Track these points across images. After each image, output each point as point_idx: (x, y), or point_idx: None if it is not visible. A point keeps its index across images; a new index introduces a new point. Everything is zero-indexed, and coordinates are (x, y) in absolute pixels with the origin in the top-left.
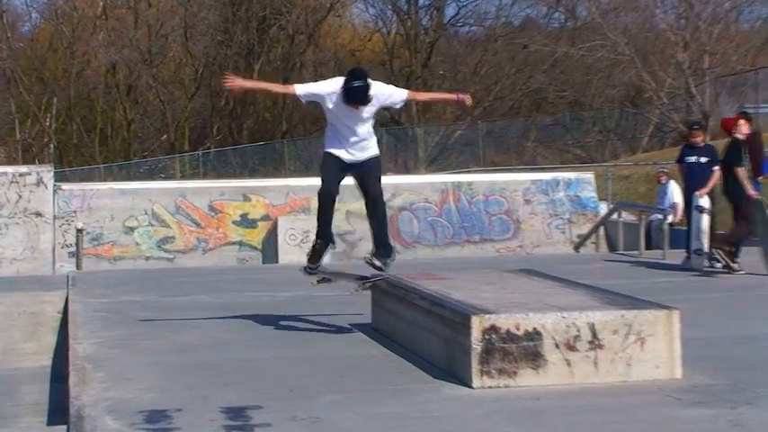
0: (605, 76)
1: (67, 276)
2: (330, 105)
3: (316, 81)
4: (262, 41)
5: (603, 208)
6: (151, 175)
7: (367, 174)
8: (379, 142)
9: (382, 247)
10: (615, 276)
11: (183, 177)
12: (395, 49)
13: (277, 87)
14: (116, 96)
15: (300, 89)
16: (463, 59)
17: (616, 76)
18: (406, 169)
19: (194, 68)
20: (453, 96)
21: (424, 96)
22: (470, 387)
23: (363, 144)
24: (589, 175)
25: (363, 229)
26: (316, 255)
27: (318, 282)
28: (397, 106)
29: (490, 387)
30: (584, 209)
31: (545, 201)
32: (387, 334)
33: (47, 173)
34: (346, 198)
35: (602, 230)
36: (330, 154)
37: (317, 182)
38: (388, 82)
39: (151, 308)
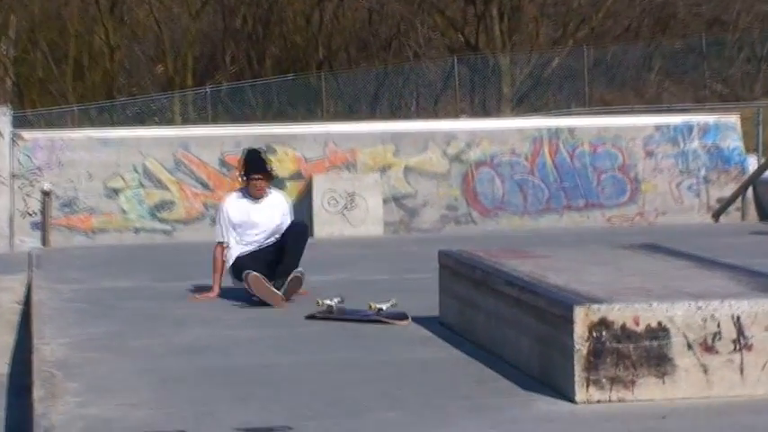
0: None
1: (30, 255)
2: (235, 214)
3: None
4: None
5: (753, 163)
6: (142, 119)
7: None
8: (449, 75)
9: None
10: None
11: (186, 122)
12: None
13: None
14: (95, 14)
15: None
16: None
17: None
18: (485, 111)
19: None
20: None
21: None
22: (572, 401)
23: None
24: (733, 119)
25: (426, 190)
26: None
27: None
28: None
29: (599, 401)
30: (727, 164)
31: (673, 153)
32: (459, 331)
33: (2, 117)
34: (404, 151)
35: (750, 192)
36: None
37: (363, 128)
38: None
39: (143, 297)
